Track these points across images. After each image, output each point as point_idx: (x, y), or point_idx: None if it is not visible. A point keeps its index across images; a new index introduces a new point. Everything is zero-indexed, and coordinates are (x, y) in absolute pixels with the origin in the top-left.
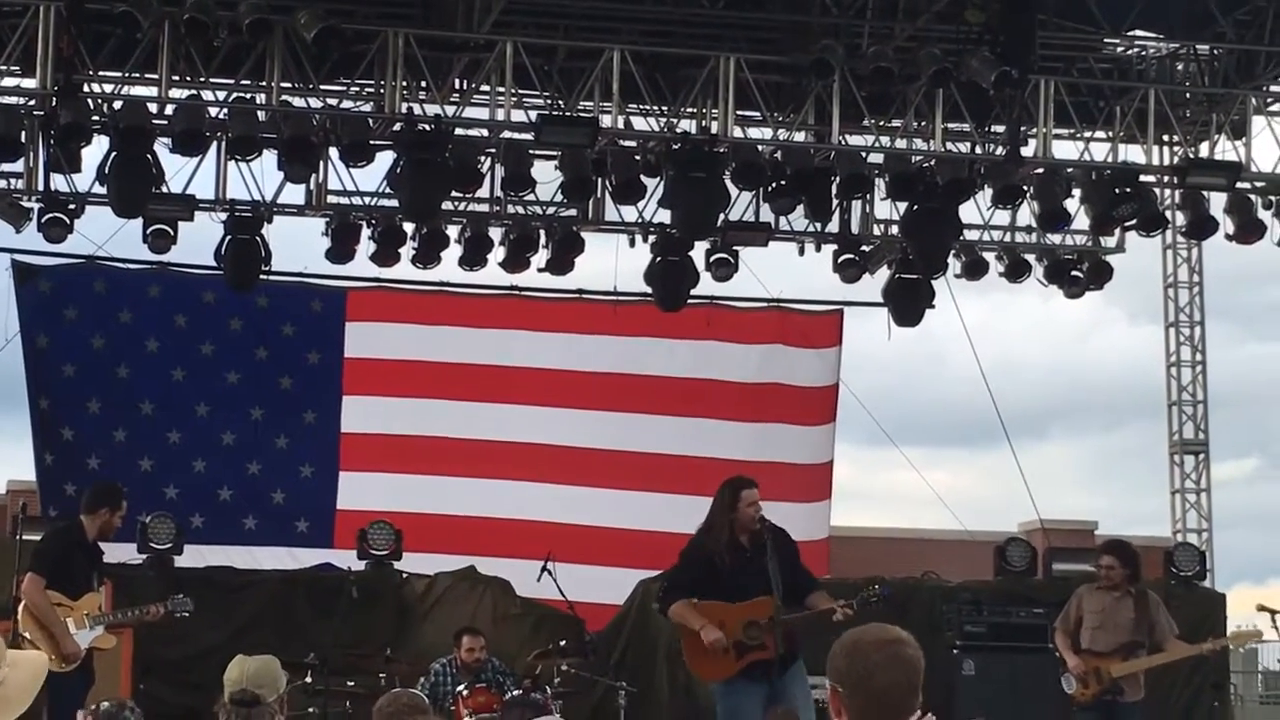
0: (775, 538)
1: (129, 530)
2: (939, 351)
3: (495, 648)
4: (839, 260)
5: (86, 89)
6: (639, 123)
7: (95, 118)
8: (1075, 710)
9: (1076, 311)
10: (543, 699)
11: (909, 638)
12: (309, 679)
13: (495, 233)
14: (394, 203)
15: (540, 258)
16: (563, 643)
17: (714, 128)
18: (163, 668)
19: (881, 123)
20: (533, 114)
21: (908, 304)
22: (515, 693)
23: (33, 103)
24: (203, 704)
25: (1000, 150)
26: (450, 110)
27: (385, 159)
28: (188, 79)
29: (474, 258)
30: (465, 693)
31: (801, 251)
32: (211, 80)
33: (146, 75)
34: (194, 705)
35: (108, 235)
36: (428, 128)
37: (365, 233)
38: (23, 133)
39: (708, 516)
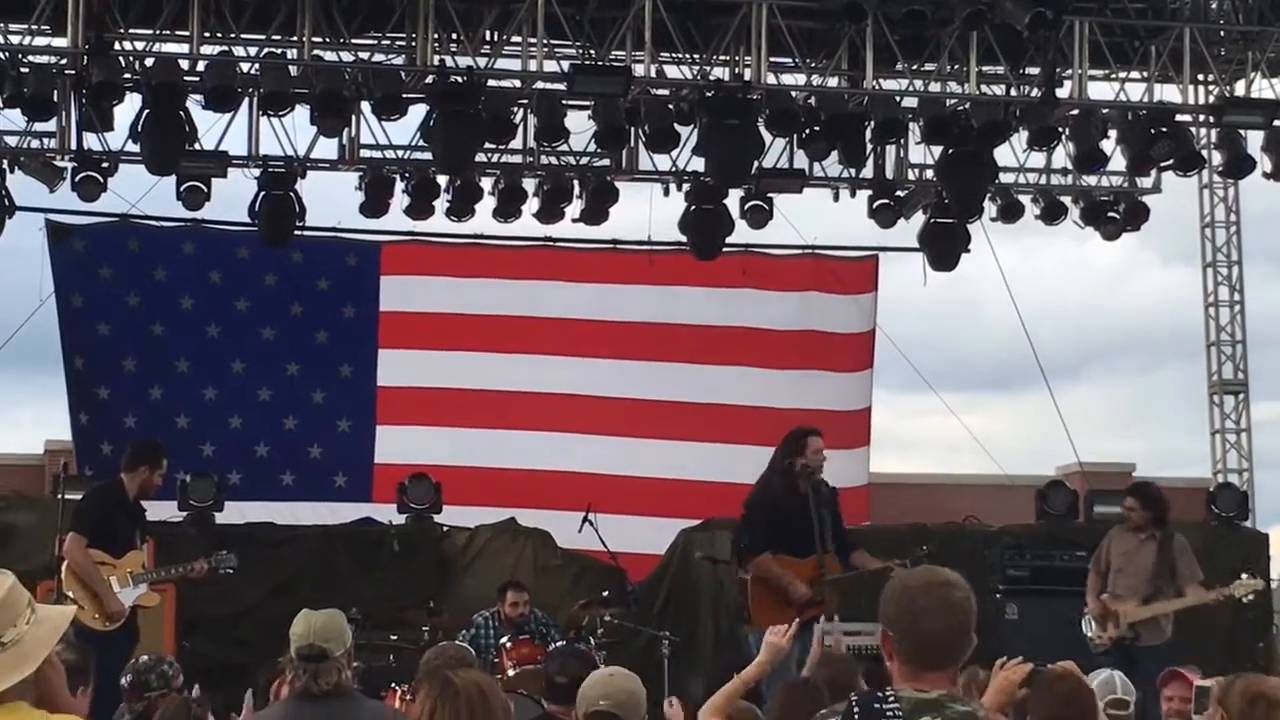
0: (823, 491)
1: (169, 488)
2: (974, 296)
3: (537, 599)
4: (874, 205)
5: (118, 47)
6: (672, 71)
7: (127, 75)
8: (1095, 653)
9: (1111, 254)
10: (586, 649)
11: (958, 580)
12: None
13: (529, 184)
14: (427, 155)
15: (574, 208)
16: (605, 593)
17: (747, 74)
18: (206, 624)
19: (915, 66)
20: (565, 64)
21: (943, 248)
22: (559, 643)
23: (64, 61)
24: (246, 659)
25: (1035, 92)
26: (482, 62)
27: (418, 112)
28: (219, 35)
29: (508, 209)
30: (509, 645)
31: (836, 197)
32: (242, 36)
33: (177, 32)
34: (238, 661)
35: (141, 193)
36: (460, 80)
37: (399, 186)
38: (55, 92)
39: (770, 466)
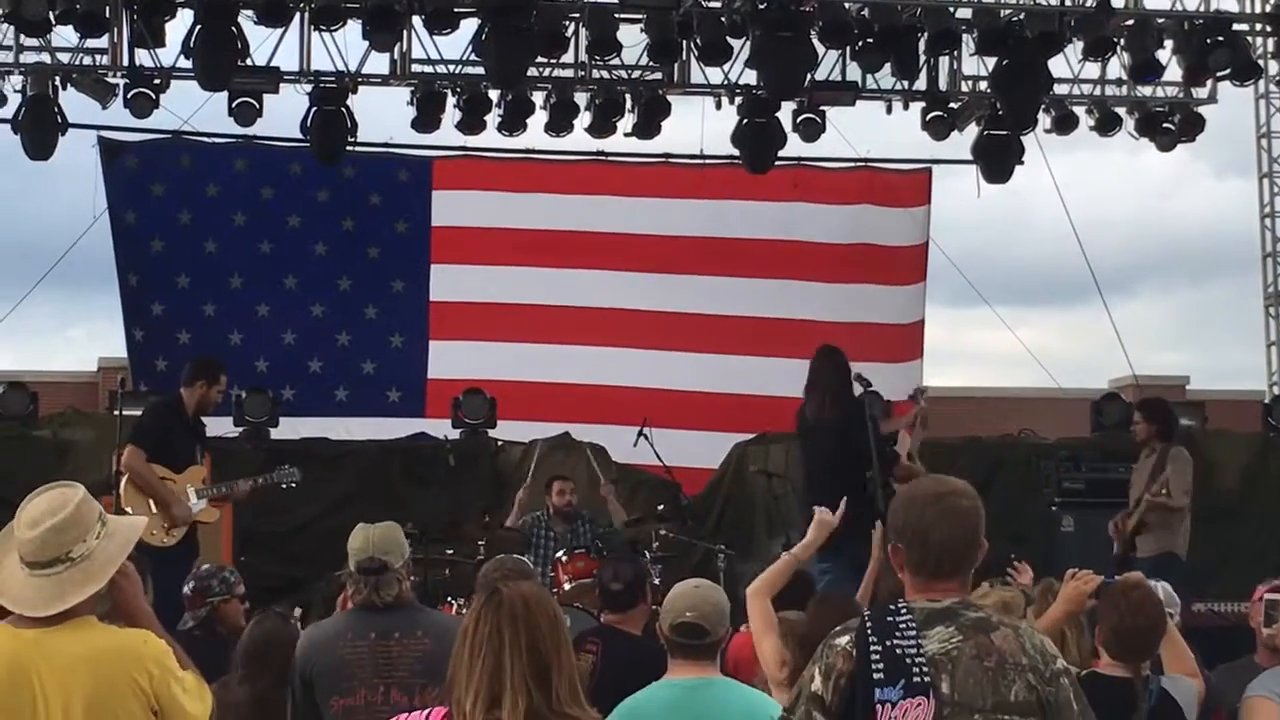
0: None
1: (224, 404)
2: (1027, 209)
3: (593, 512)
4: (927, 118)
5: None
6: None
7: None
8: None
9: (1166, 166)
10: (642, 561)
11: (965, 488)
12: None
13: (581, 98)
14: (479, 70)
15: (626, 122)
16: (660, 507)
17: None
18: (263, 540)
19: None
20: None
21: (997, 160)
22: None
23: None
24: (303, 574)
25: (1090, 2)
26: None
27: (470, 26)
28: None
29: (560, 123)
30: (564, 559)
31: (889, 110)
32: None
33: None
34: (294, 576)
35: (193, 110)
36: None
37: (450, 101)
38: (107, 8)
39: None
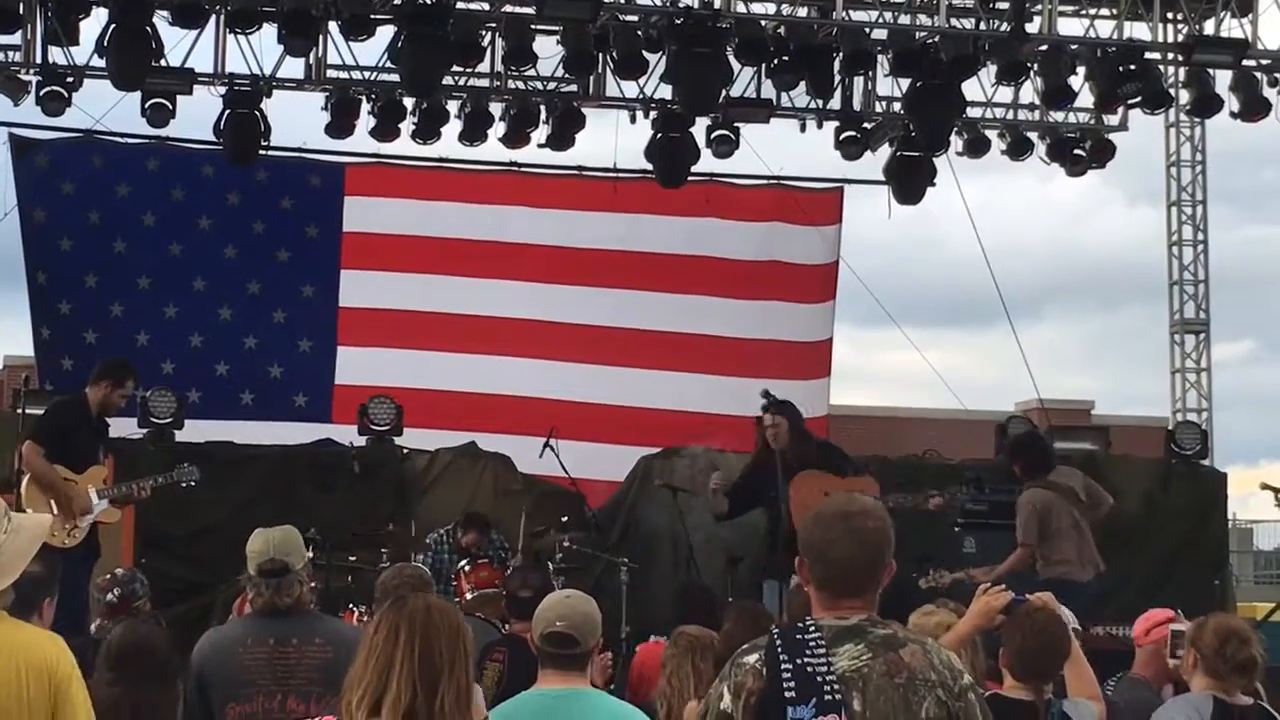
0: None
1: (128, 405)
2: (938, 231)
3: (496, 524)
4: (841, 137)
5: None
6: None
7: None
8: None
9: (1076, 191)
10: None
11: (873, 508)
12: (311, 554)
13: (496, 108)
14: (394, 77)
15: (540, 134)
16: (564, 519)
17: (717, 3)
18: (164, 542)
19: None
20: None
21: (909, 181)
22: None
23: None
24: (204, 578)
25: (1005, 26)
26: None
27: (386, 33)
28: None
29: (474, 133)
30: (467, 568)
31: (803, 128)
32: None
33: None
34: (195, 579)
35: (106, 109)
36: (429, 1)
37: (365, 107)
38: (21, 4)
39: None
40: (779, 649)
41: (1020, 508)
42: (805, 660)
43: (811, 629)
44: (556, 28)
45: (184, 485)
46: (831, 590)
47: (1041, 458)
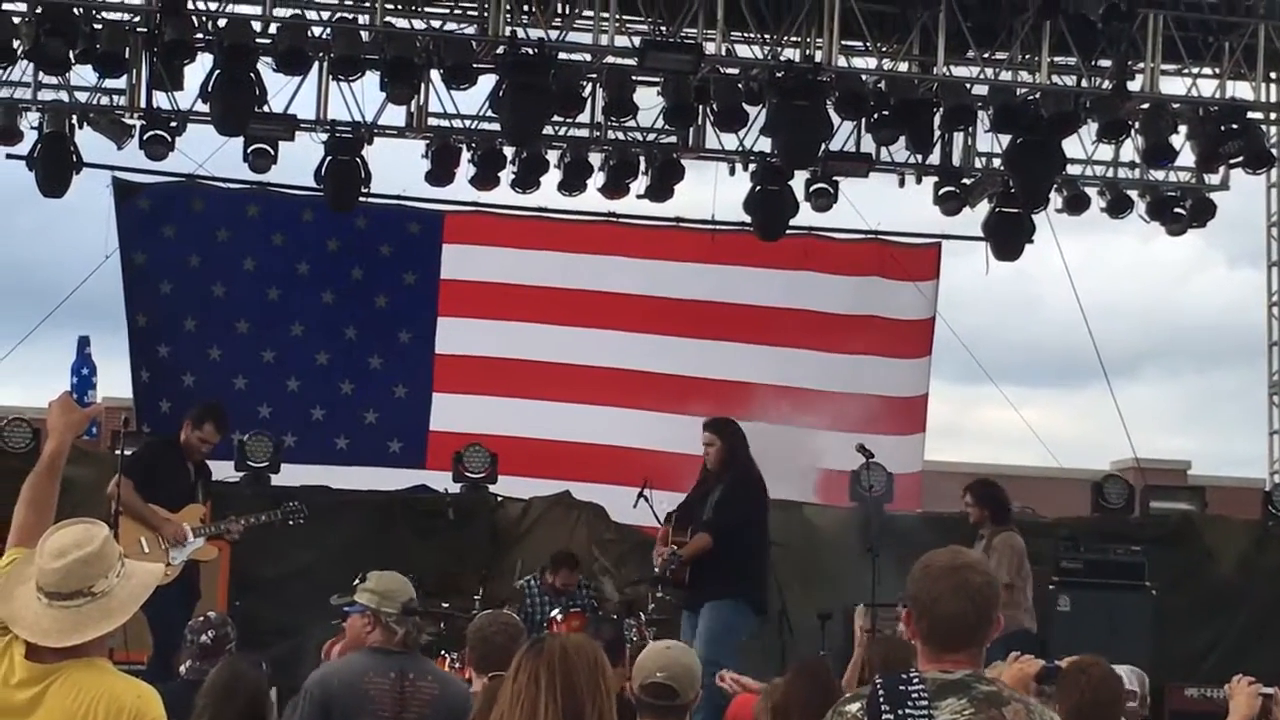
0: None
1: (225, 447)
2: (1036, 288)
3: (590, 574)
4: (939, 193)
5: (191, 6)
6: (742, 50)
7: (199, 35)
8: None
9: (1176, 251)
10: (636, 624)
11: (979, 561)
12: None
13: (595, 158)
14: (495, 126)
15: (640, 184)
16: (656, 570)
17: (818, 56)
18: (259, 585)
19: (987, 54)
20: (636, 39)
21: (1008, 238)
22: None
23: (137, 19)
24: (296, 622)
25: (1106, 84)
26: (554, 34)
27: (487, 82)
28: None
29: (573, 183)
30: (559, 617)
31: (902, 183)
32: (315, 0)
33: None
34: (288, 623)
35: (208, 154)
36: (531, 51)
37: (465, 156)
38: (126, 49)
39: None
40: (880, 700)
41: (1006, 549)
42: (907, 712)
43: (915, 681)
44: (657, 79)
45: (290, 522)
46: (935, 643)
47: (1007, 504)
